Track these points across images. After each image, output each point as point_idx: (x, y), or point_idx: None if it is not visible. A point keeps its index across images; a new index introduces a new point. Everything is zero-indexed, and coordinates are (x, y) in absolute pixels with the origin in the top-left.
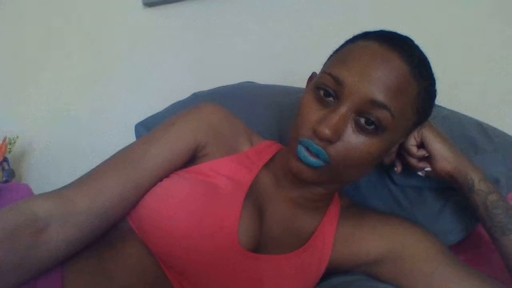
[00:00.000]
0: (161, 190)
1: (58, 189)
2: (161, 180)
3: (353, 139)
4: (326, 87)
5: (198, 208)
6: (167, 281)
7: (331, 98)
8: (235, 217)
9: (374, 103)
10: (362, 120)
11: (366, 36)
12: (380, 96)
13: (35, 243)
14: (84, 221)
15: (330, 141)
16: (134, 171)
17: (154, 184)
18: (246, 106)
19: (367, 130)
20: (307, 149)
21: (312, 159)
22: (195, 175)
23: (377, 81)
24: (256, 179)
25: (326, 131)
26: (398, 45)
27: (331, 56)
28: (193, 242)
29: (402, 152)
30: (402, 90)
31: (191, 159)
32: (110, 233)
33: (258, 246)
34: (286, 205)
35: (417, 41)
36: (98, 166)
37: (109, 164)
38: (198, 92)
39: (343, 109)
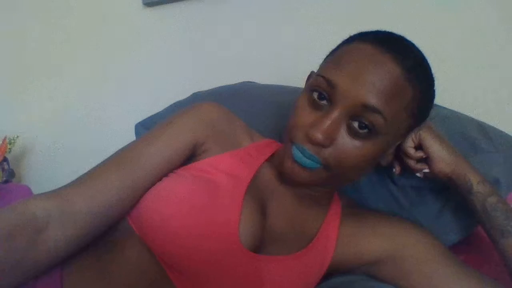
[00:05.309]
0: (161, 190)
1: (56, 189)
2: (160, 179)
3: (346, 143)
4: (319, 89)
5: (198, 206)
6: (168, 281)
7: (324, 101)
8: (235, 214)
9: (367, 107)
10: (355, 124)
11: (361, 37)
12: (372, 101)
13: (34, 243)
14: (82, 220)
15: (322, 146)
16: (132, 170)
17: (153, 183)
18: (246, 105)
19: (360, 134)
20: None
21: (307, 160)
22: (195, 172)
23: (370, 85)
24: (256, 174)
25: (319, 136)
26: (393, 47)
27: (327, 57)
28: (194, 241)
29: (400, 154)
30: (396, 94)
31: (190, 157)
32: (110, 233)
33: (261, 244)
34: (288, 201)
35: (416, 41)
36: (96, 166)
37: (108, 163)
38: (198, 92)
39: (335, 113)
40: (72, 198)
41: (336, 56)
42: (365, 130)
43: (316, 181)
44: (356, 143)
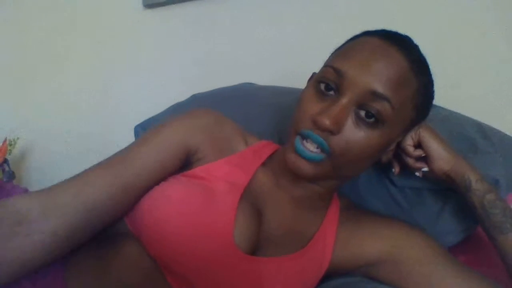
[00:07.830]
0: (157, 193)
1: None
2: (156, 183)
3: (353, 132)
4: (327, 80)
5: (193, 211)
6: (167, 284)
7: (332, 92)
8: (229, 219)
9: (375, 95)
10: (363, 113)
11: (367, 33)
12: (380, 88)
13: (14, 234)
14: (69, 213)
15: (330, 132)
16: (123, 170)
17: (146, 186)
18: (245, 107)
19: (367, 123)
20: (307, 140)
21: (310, 153)
22: (191, 178)
23: (378, 73)
24: (253, 179)
25: (327, 122)
26: (399, 41)
27: (333, 52)
28: (189, 245)
29: (400, 152)
30: (402, 83)
31: (186, 163)
32: (109, 235)
33: (257, 248)
34: (286, 204)
35: (417, 41)
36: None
37: (99, 164)
38: (197, 93)
39: (344, 101)
40: (56, 192)
41: (343, 49)
42: (372, 119)
43: (319, 173)
44: (363, 132)
